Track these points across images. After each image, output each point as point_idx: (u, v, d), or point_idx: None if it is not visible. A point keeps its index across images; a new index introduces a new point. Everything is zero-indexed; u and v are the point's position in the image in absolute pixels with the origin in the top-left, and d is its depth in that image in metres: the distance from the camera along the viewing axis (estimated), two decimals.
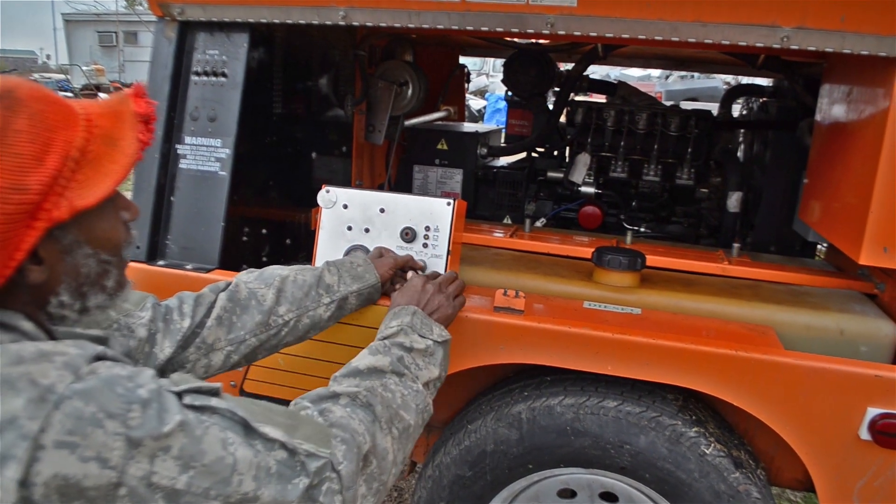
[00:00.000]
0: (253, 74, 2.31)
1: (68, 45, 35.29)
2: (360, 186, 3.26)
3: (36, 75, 21.29)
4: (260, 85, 2.39)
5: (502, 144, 3.75)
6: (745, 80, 4.26)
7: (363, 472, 1.32)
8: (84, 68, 22.53)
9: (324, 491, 1.21)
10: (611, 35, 1.92)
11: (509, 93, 3.75)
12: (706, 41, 1.85)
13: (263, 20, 2.19)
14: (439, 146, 3.46)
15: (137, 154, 1.19)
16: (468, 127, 3.68)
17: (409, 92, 3.25)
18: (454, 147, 3.45)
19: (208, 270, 2.22)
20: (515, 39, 3.47)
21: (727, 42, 1.84)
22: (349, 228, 2.18)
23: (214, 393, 1.16)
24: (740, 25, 1.82)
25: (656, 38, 1.89)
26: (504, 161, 3.71)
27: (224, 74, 2.28)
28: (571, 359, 1.95)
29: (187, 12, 2.25)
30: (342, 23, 2.10)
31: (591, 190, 3.31)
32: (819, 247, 3.30)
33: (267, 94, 2.45)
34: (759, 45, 1.83)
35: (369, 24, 2.08)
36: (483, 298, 2.19)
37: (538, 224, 3.37)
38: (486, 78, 23.61)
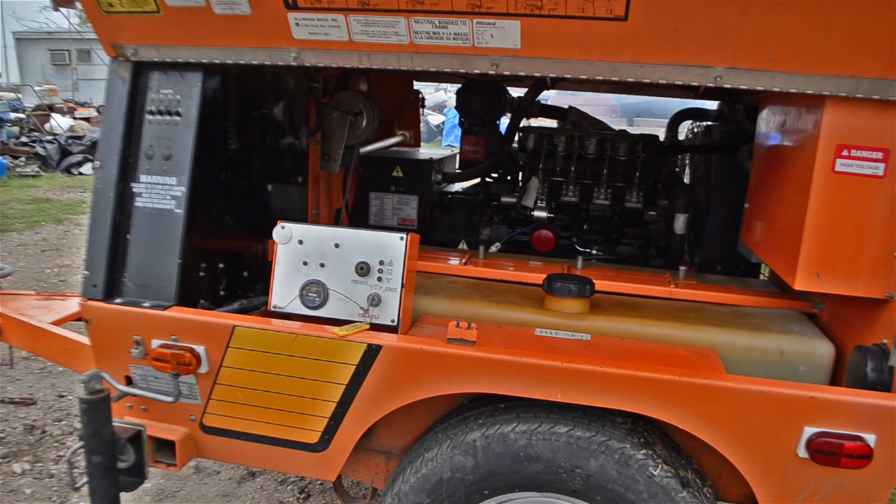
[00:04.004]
0: (207, 112, 2.35)
1: (19, 64, 34.70)
2: (316, 216, 3.31)
3: None
4: (214, 121, 2.43)
5: (456, 170, 3.82)
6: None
7: None
8: (36, 88, 22.16)
9: None
10: (554, 74, 2.00)
11: (463, 119, 3.82)
12: (644, 80, 1.94)
13: (216, 61, 2.23)
14: (394, 173, 3.52)
15: None
16: (423, 154, 3.74)
17: (364, 122, 3.30)
18: (409, 174, 3.50)
19: (166, 307, 2.25)
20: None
21: (664, 81, 1.93)
22: (305, 263, 2.23)
23: None
24: (676, 66, 1.91)
25: (597, 77, 1.98)
26: (459, 186, 3.78)
27: (178, 113, 2.31)
28: (523, 387, 2.01)
29: (140, 53, 2.28)
30: (294, 63, 2.15)
31: (543, 214, 3.39)
32: (763, 265, 3.41)
33: (221, 130, 2.49)
34: (693, 83, 1.92)
35: (321, 64, 2.14)
36: (437, 328, 2.25)
37: (493, 248, 3.43)
38: (444, 94, 23.76)
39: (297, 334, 2.13)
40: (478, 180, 3.78)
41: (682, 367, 2.05)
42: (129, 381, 2.39)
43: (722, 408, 1.93)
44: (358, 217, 3.60)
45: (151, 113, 2.34)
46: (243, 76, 2.56)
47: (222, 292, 2.55)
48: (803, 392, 1.90)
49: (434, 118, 22.18)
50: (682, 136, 3.89)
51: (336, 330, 2.10)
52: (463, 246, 3.58)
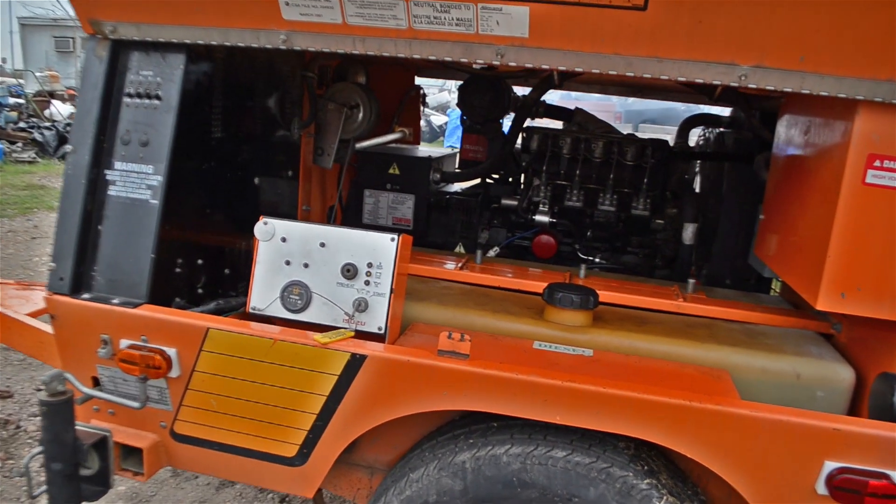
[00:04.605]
0: (189, 97, 2.19)
1: (23, 50, 34.49)
2: (307, 212, 3.14)
3: None
4: (197, 107, 2.27)
5: (456, 170, 3.66)
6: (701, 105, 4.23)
7: None
8: (37, 74, 21.93)
9: None
10: (563, 68, 1.84)
11: (464, 117, 3.65)
12: (662, 77, 1.78)
13: (200, 41, 2.07)
14: (391, 170, 3.36)
15: None
16: (421, 151, 3.58)
17: (360, 115, 3.14)
18: (406, 172, 3.35)
19: (136, 305, 2.08)
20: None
21: (683, 78, 1.77)
22: (287, 263, 2.06)
23: None
24: (697, 62, 1.75)
25: (610, 72, 1.81)
26: (458, 187, 3.62)
27: (158, 97, 2.15)
28: (518, 407, 1.85)
29: (120, 31, 2.12)
30: (283, 47, 1.99)
31: (545, 219, 3.23)
32: (775, 279, 3.25)
33: (205, 117, 2.32)
34: (716, 82, 1.76)
35: (312, 48, 1.98)
36: (428, 337, 2.09)
37: (492, 253, 3.28)
38: (448, 94, 23.59)
39: (276, 340, 1.97)
40: (478, 181, 3.62)
41: (692, 389, 1.89)
42: (96, 383, 2.23)
43: (736, 437, 1.77)
44: (352, 215, 3.44)
45: (129, 96, 2.18)
46: (231, 60, 2.40)
47: (200, 290, 2.39)
48: (825, 423, 1.73)
49: (437, 118, 22.00)
50: (692, 143, 3.74)
51: (317, 336, 1.94)
52: (460, 249, 3.42)
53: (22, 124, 15.91)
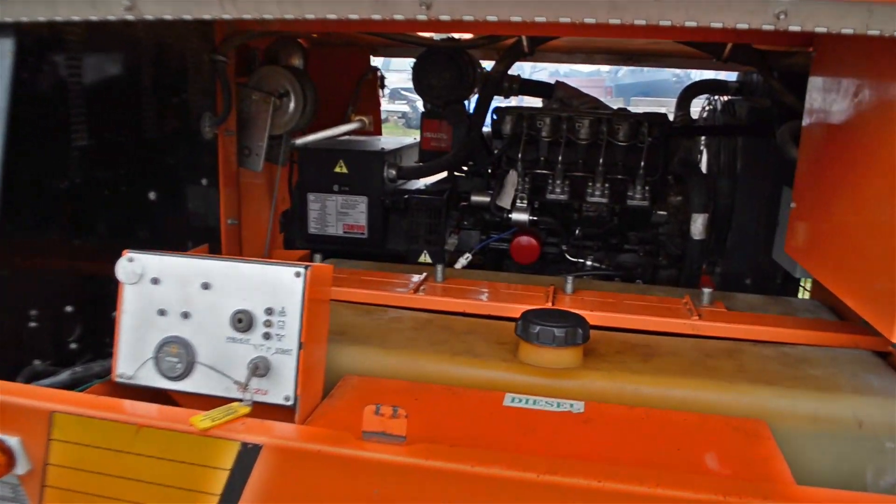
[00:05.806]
0: (29, 95, 1.64)
1: None
2: (234, 227, 2.59)
3: None
4: (45, 108, 1.71)
5: (416, 163, 3.09)
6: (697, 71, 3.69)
7: None
8: None
9: None
10: (518, 19, 1.28)
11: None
12: (661, 23, 1.22)
13: (24, 19, 1.51)
14: (337, 169, 2.80)
15: None
16: (374, 143, 3.02)
17: (291, 105, 2.59)
18: (355, 169, 2.78)
19: None
20: (432, 34, 2.84)
21: (693, 24, 1.21)
22: (162, 313, 1.51)
23: None
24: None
25: (587, 20, 1.25)
26: (421, 183, 3.06)
27: None
28: None
29: None
30: (129, 16, 1.43)
31: (524, 217, 2.69)
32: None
33: (60, 120, 1.76)
34: (740, 26, 1.20)
35: (169, 16, 1.42)
36: (362, 397, 1.54)
37: (462, 261, 2.73)
38: None
39: (140, 425, 1.42)
40: (444, 175, 3.06)
41: (720, 456, 1.36)
42: None
43: None
44: (297, 225, 2.89)
45: None
46: (98, 44, 1.84)
47: (75, 345, 1.83)
48: None
49: None
50: (695, 116, 3.18)
51: (196, 420, 1.38)
52: (425, 258, 2.86)
53: None
